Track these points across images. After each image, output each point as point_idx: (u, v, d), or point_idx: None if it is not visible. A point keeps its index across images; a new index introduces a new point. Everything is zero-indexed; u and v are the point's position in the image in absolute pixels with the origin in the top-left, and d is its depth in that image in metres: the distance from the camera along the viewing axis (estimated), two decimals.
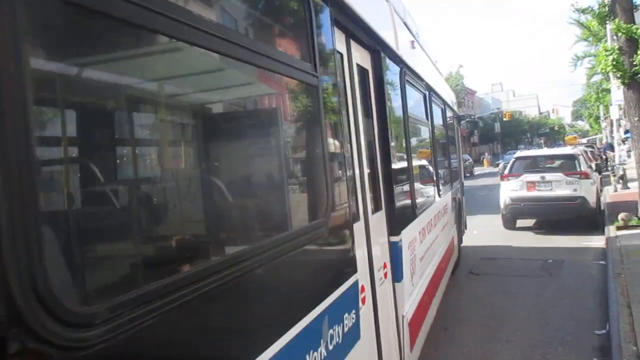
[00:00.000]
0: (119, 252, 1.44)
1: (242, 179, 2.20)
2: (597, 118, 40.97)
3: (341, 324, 2.63)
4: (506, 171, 13.04)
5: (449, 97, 9.85)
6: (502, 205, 12.43)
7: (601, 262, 8.54)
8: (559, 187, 11.57)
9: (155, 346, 1.35)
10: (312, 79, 2.48)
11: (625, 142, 21.41)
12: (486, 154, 65.64)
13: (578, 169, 11.85)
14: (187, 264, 1.62)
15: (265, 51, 2.04)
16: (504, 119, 58.92)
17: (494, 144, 76.48)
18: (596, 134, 51.88)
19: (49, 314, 0.98)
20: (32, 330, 0.95)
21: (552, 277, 7.96)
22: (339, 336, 2.57)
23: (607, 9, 10.72)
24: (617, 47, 10.36)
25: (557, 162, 12.92)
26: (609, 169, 20.02)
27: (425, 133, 6.75)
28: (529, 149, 51.61)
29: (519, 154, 15.16)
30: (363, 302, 3.04)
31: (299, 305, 2.22)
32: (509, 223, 12.57)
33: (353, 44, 3.51)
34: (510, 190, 12.14)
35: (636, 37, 9.77)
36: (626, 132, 22.45)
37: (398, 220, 4.07)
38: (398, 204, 4.13)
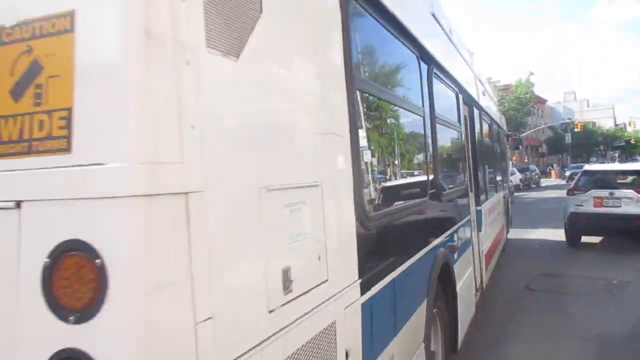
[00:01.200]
0: None
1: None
2: None
3: (469, 230, 6.00)
4: (572, 185, 12.50)
5: (501, 120, 13.58)
6: (565, 220, 11.96)
7: None
8: (629, 204, 10.94)
9: None
10: (459, 128, 6.06)
11: None
12: (554, 165, 63.05)
13: None
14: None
15: (454, 123, 5.78)
16: (576, 130, 56.39)
17: (564, 155, 73.24)
18: None
19: None
20: None
21: (615, 299, 7.58)
22: (469, 235, 5.99)
23: None
24: None
25: (629, 178, 12.20)
26: None
27: (490, 148, 9.95)
28: (601, 162, 49.24)
29: (586, 167, 14.48)
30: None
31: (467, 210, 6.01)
32: (573, 239, 12.04)
33: (462, 105, 6.34)
34: (575, 205, 11.61)
35: None
36: None
37: (479, 198, 7.09)
38: (479, 189, 7.18)
